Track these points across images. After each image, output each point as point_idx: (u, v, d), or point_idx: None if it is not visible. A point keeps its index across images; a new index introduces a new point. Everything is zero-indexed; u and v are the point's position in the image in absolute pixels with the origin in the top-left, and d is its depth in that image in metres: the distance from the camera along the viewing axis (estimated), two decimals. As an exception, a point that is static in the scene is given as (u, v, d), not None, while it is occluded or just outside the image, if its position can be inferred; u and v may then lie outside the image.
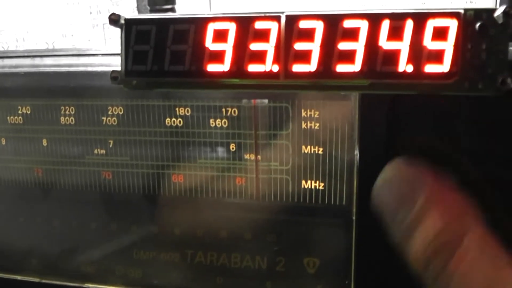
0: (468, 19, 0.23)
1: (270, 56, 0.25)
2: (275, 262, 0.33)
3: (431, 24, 0.23)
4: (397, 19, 0.23)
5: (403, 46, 0.23)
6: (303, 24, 0.24)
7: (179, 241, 0.35)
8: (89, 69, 0.33)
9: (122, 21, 0.26)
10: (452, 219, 0.23)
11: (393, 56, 0.23)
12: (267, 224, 0.33)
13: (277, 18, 0.24)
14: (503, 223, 0.25)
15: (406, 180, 0.25)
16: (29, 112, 0.35)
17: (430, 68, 0.23)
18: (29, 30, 0.65)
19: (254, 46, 0.25)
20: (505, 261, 0.22)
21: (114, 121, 0.34)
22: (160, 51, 0.26)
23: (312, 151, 0.31)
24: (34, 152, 0.36)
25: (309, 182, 0.32)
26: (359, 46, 0.24)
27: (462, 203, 0.24)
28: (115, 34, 0.27)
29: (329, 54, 0.24)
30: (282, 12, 0.24)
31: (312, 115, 0.31)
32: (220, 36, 0.25)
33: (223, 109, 0.32)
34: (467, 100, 0.24)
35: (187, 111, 0.33)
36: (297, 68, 0.24)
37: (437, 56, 0.23)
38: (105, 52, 0.34)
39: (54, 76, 0.34)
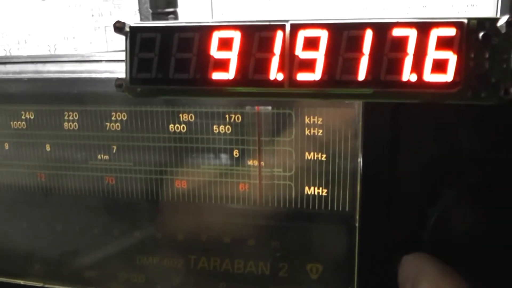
0: (471, 29, 0.23)
1: (274, 65, 0.25)
2: (278, 268, 0.33)
3: (434, 34, 0.23)
4: (401, 28, 0.24)
5: (407, 55, 0.23)
6: (308, 33, 0.24)
7: (182, 246, 0.35)
8: (93, 75, 0.33)
9: (127, 29, 0.26)
10: None
11: (397, 65, 0.24)
12: (270, 230, 0.33)
13: (281, 27, 0.25)
14: None
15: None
16: (32, 118, 0.36)
17: (434, 77, 0.23)
18: (31, 33, 0.65)
19: (259, 55, 0.25)
20: None
21: (118, 126, 0.34)
22: (164, 58, 0.26)
23: (315, 158, 0.31)
24: (37, 157, 0.36)
25: (312, 188, 0.32)
26: (363, 55, 0.24)
27: None
28: (117, 36, 0.27)
29: (334, 63, 0.24)
30: (287, 21, 0.25)
31: (316, 122, 0.31)
32: (225, 44, 0.25)
33: (227, 116, 0.32)
34: (470, 108, 0.24)
35: (191, 117, 0.33)
36: (302, 76, 0.24)
37: (440, 66, 0.23)
38: (109, 59, 0.34)
39: (58, 82, 0.34)
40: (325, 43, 0.24)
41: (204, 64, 0.25)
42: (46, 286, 0.37)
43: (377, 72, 0.24)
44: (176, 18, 0.51)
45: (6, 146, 0.37)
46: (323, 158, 0.31)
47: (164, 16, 0.51)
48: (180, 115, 0.33)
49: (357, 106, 0.29)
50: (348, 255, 0.31)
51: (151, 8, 0.52)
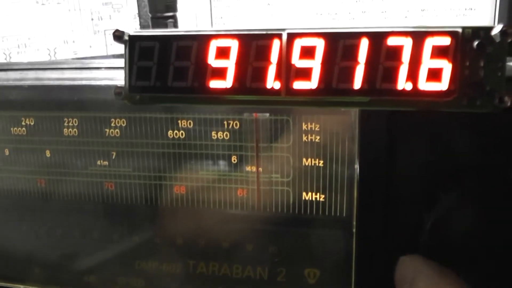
0: (466, 37, 0.23)
1: (271, 73, 0.25)
2: (276, 273, 0.34)
3: (429, 43, 0.24)
4: (396, 37, 0.24)
5: (402, 64, 0.24)
6: (304, 42, 0.25)
7: (181, 251, 0.35)
8: (93, 82, 0.34)
9: (126, 38, 0.27)
10: None
11: (392, 73, 0.24)
12: (268, 235, 0.34)
13: (278, 36, 0.25)
14: None
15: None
16: (32, 124, 0.36)
17: (429, 85, 0.24)
18: (30, 37, 0.65)
19: (256, 63, 0.25)
20: None
21: (117, 133, 0.34)
22: (163, 67, 0.26)
23: (312, 164, 0.32)
24: (37, 163, 0.36)
25: (309, 194, 0.32)
26: (359, 64, 0.24)
27: None
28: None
29: (330, 71, 0.24)
30: (284, 30, 0.25)
31: (313, 128, 0.31)
32: (223, 53, 0.25)
33: (225, 122, 0.32)
34: (466, 115, 0.25)
35: (189, 123, 0.33)
36: (298, 85, 0.25)
37: (435, 74, 0.24)
38: (108, 66, 0.34)
39: (58, 89, 0.34)
40: (321, 52, 0.24)
41: (202, 72, 0.26)
42: (45, 290, 0.38)
43: (372, 81, 0.24)
44: (175, 22, 0.51)
45: (6, 152, 0.37)
46: (321, 164, 0.31)
47: (163, 20, 0.52)
48: (179, 121, 0.33)
49: (354, 113, 0.30)
50: (345, 260, 0.31)
51: (150, 12, 0.53)
